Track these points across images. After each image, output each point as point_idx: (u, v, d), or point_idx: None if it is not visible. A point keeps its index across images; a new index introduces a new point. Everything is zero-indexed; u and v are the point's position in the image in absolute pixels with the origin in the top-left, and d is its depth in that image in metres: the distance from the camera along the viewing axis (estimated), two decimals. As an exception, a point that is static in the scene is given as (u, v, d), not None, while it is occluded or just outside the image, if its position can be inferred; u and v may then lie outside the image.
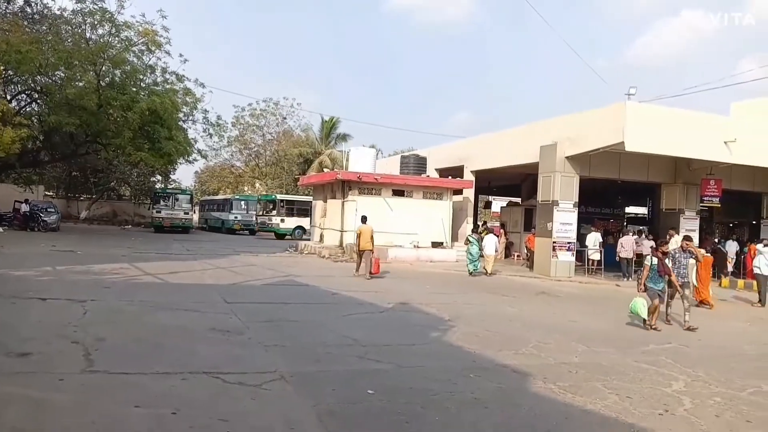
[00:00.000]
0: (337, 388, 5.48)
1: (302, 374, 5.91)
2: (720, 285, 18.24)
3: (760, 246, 15.37)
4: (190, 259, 18.12)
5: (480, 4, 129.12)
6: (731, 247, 20.11)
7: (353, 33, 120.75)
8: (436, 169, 25.92)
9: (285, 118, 50.18)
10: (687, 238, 12.04)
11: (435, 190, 22.59)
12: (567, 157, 17.71)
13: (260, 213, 37.30)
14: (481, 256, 18.02)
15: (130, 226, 40.16)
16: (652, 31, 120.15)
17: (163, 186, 43.01)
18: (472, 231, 20.05)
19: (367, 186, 21.49)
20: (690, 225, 19.30)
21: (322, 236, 24.23)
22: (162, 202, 35.89)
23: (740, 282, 17.94)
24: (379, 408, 5.01)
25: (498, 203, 39.76)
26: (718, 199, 18.64)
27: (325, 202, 24.21)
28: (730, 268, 19.88)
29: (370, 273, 15.25)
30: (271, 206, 36.23)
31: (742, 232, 24.88)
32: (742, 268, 19.26)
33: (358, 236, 15.76)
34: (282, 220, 35.08)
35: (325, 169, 33.93)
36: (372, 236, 15.61)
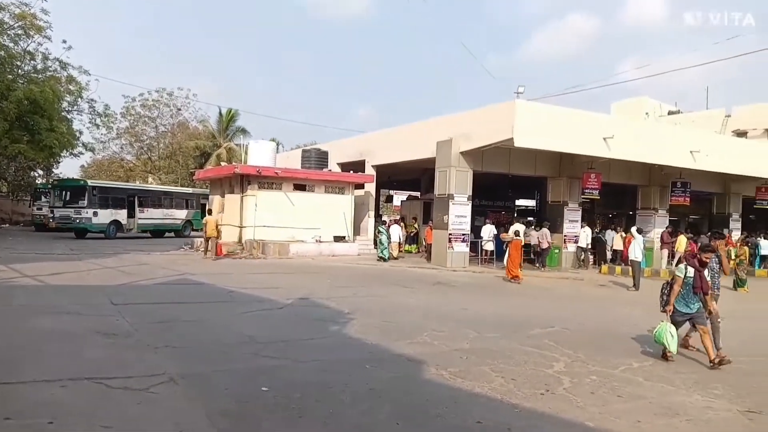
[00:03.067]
0: (231, 388, 5.39)
1: (193, 375, 5.75)
2: (600, 272, 19.73)
3: (633, 230, 16.73)
4: (75, 259, 16.97)
5: (380, 2, 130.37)
6: (609, 236, 21.78)
7: (254, 26, 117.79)
8: (338, 164, 25.98)
9: (180, 110, 48.03)
10: (717, 235, 9.03)
11: (337, 184, 22.63)
12: (461, 153, 18.35)
13: (57, 204, 28.40)
14: (389, 243, 20.51)
15: (7, 225, 36.94)
16: (540, 32, 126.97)
17: (44, 181, 39.83)
18: (382, 223, 21.92)
19: (267, 180, 21.14)
20: (573, 216, 20.66)
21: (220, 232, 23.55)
22: (44, 199, 33.08)
23: (618, 268, 19.49)
24: (273, 404, 4.99)
25: (399, 197, 40.51)
26: (598, 192, 20.05)
27: (223, 196, 23.54)
28: (609, 255, 21.52)
29: (216, 255, 18.97)
30: (69, 195, 28.17)
31: (620, 222, 26.98)
32: (620, 255, 20.93)
33: (205, 225, 19.43)
34: (95, 213, 27.43)
35: (223, 163, 32.79)
36: (217, 226, 19.38)
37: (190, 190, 36.15)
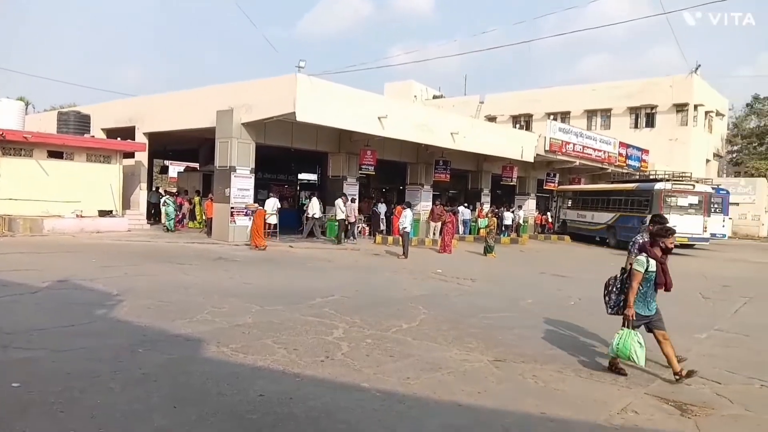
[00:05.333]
0: (-30, 388, 4.63)
1: None
2: (375, 242, 21.07)
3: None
4: None
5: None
6: (383, 209, 23.34)
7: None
8: (102, 129, 23.44)
9: None
10: (658, 219, 6.71)
11: (102, 152, 20.42)
12: (243, 124, 17.91)
13: None
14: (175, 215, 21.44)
15: None
16: (319, 8, 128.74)
17: None
18: (169, 194, 21.94)
19: (14, 146, 18.19)
20: (351, 190, 21.62)
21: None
22: None
23: (390, 238, 21.00)
24: (27, 401, 4.41)
25: (175, 168, 38.24)
26: (373, 168, 21.26)
27: (-46, 164, 19.71)
28: (382, 226, 23.07)
29: None
30: None
31: (392, 196, 29.07)
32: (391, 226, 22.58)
33: None
34: None
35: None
36: None
37: None
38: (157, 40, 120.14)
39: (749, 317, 10.02)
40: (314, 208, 20.47)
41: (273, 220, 19.91)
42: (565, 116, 42.53)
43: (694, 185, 23.67)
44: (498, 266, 16.71)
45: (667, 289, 6.02)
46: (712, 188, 25.06)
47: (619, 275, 6.35)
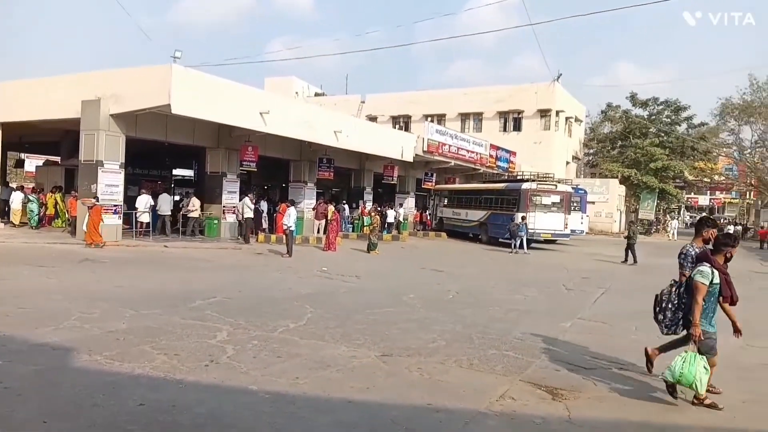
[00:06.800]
0: None
1: None
2: (257, 240, 20.62)
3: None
4: None
5: None
6: (265, 207, 22.90)
7: None
8: (-56, 118, 20.80)
9: None
10: (710, 223, 6.15)
11: (-58, 143, 18.16)
12: (112, 115, 16.71)
13: None
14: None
15: None
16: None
17: None
18: (32, 191, 21.10)
19: None
20: (231, 187, 20.96)
21: None
22: None
23: (273, 237, 20.67)
24: None
25: (33, 162, 34.93)
26: (254, 164, 20.79)
27: None
28: (264, 224, 22.64)
29: None
30: None
31: (275, 194, 28.59)
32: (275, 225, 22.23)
33: None
34: None
35: None
36: None
37: None
38: (11, 25, 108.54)
39: (606, 306, 11.09)
40: (140, 204, 18.96)
41: (145, 218, 18.84)
42: (441, 118, 44.26)
43: (556, 185, 25.66)
44: (381, 263, 17.05)
45: (733, 303, 5.43)
46: (572, 188, 27.28)
47: (674, 289, 5.70)
